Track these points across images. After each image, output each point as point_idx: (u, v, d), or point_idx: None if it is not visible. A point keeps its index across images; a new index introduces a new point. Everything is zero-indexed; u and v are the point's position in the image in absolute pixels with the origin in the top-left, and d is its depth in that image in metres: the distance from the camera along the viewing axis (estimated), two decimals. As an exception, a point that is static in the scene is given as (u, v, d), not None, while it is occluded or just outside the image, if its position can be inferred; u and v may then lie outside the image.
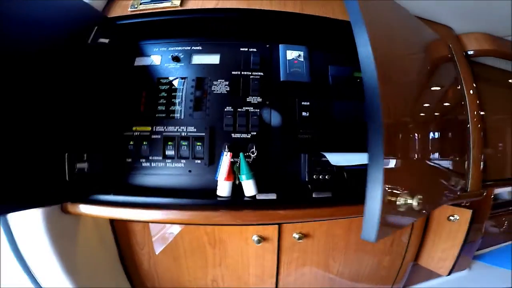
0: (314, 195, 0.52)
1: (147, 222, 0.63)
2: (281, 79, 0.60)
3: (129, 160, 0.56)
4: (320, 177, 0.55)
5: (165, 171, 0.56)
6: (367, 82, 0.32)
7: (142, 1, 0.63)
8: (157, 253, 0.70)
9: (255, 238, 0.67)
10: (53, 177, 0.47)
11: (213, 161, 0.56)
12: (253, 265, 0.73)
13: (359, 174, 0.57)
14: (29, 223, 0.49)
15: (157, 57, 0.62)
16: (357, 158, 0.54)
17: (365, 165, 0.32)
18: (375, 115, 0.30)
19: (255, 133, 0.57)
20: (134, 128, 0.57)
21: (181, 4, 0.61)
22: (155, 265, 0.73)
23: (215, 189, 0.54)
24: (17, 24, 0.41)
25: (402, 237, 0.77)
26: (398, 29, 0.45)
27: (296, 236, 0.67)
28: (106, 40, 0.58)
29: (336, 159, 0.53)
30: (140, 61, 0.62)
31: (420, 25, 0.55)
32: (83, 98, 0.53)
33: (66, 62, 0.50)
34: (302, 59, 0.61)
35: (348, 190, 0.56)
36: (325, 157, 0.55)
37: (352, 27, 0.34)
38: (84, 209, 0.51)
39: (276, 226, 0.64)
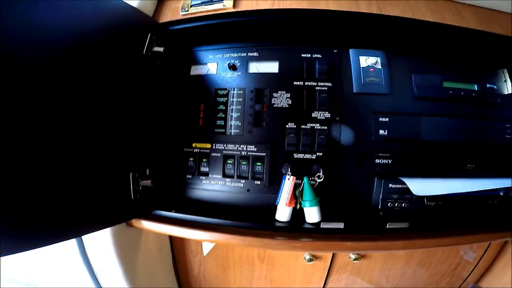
0: (388, 226, 0.47)
1: (207, 241, 0.63)
2: (354, 91, 0.52)
3: (189, 176, 0.55)
4: (396, 205, 0.49)
5: (224, 189, 0.53)
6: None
7: (192, 3, 0.58)
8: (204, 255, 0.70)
9: (307, 256, 0.64)
10: (120, 198, 0.47)
11: (273, 182, 0.52)
12: (300, 280, 0.72)
13: (443, 200, 0.50)
14: (99, 237, 0.51)
15: (213, 65, 0.58)
16: (446, 186, 0.47)
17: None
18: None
19: (321, 154, 0.51)
20: (194, 145, 0.55)
21: (234, 6, 0.55)
22: (204, 272, 0.75)
23: (274, 210, 0.51)
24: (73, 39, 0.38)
25: (470, 260, 0.70)
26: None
27: (352, 256, 0.64)
28: (161, 49, 0.55)
29: (420, 188, 0.46)
30: (196, 70, 0.59)
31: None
32: (144, 113, 0.52)
33: (125, 77, 0.48)
34: (380, 67, 0.52)
35: (428, 219, 0.49)
36: (404, 183, 0.48)
37: None
38: (147, 225, 0.51)
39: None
